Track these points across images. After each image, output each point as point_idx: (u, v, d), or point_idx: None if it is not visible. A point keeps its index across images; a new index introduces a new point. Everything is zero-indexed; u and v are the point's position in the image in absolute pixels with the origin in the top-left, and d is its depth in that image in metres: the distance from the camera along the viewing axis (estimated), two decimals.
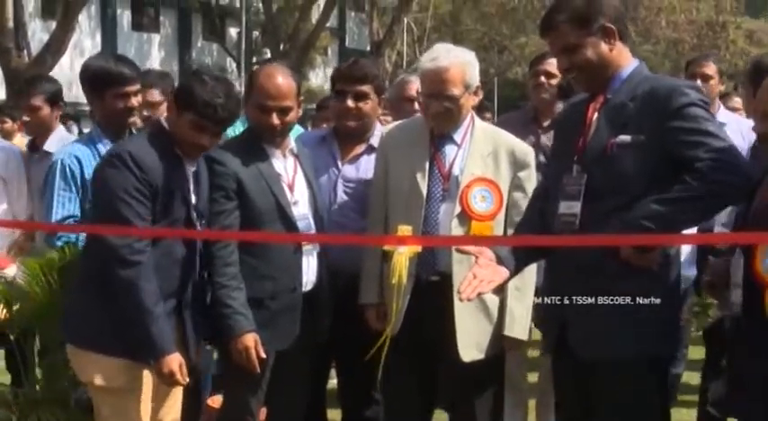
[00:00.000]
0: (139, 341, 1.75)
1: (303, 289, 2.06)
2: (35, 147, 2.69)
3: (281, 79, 2.01)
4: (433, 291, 2.02)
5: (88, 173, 2.05)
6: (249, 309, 1.95)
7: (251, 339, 1.91)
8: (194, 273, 1.93)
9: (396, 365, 2.10)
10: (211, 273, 1.96)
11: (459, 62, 2.06)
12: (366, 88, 2.25)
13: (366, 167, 2.31)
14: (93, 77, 2.18)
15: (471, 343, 2.02)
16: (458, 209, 2.02)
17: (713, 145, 1.58)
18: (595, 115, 1.73)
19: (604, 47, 1.69)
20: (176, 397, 1.98)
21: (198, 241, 1.92)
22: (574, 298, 1.69)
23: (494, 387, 2.14)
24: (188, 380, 1.83)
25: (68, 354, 1.87)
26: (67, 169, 2.11)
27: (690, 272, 2.45)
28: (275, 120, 1.99)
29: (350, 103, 2.23)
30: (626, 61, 1.74)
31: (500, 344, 2.09)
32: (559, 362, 1.85)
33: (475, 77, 2.09)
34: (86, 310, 1.82)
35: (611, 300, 1.65)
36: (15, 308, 1.98)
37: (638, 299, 1.64)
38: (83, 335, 1.82)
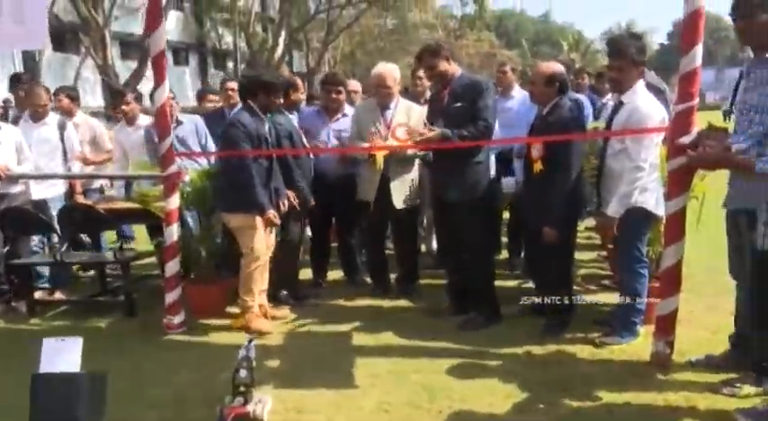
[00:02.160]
0: (253, 205, 3.73)
1: None
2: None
3: None
4: (383, 180, 4.21)
5: None
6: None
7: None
8: (273, 172, 3.92)
9: (373, 212, 4.30)
10: (288, 171, 4.06)
11: (390, 69, 4.23)
12: (340, 88, 4.49)
13: (342, 124, 4.52)
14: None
15: (398, 200, 4.24)
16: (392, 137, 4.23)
17: (484, 113, 3.56)
18: (446, 95, 3.82)
19: (447, 64, 3.73)
20: (274, 231, 4.06)
21: (273, 157, 3.96)
22: (442, 174, 3.89)
23: (413, 222, 4.51)
24: (279, 221, 3.90)
25: (222, 215, 4.01)
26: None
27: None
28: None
29: (333, 95, 4.46)
30: (457, 70, 3.76)
31: (413, 201, 4.36)
32: (437, 205, 4.13)
33: (398, 76, 4.23)
34: (225, 193, 3.93)
35: (457, 175, 3.71)
36: (187, 197, 4.17)
37: (469, 174, 3.69)
38: (228, 205, 3.93)
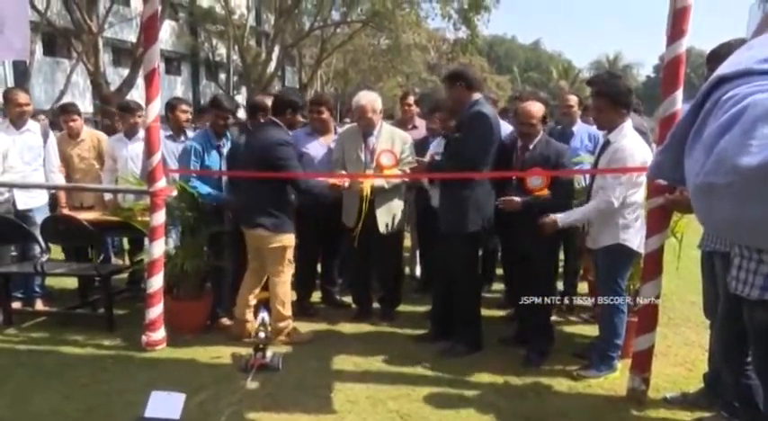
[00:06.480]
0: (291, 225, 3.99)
1: None
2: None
3: None
4: (370, 207, 4.22)
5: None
6: None
7: None
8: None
9: (359, 237, 4.30)
10: None
11: (370, 100, 4.24)
12: (322, 108, 4.49)
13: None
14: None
15: (383, 224, 4.27)
16: (375, 164, 4.26)
17: (470, 144, 3.62)
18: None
19: (460, 92, 3.72)
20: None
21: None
22: (443, 202, 3.92)
23: (397, 245, 4.54)
24: None
25: (263, 237, 3.97)
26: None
27: None
28: None
29: (315, 114, 4.49)
30: (472, 98, 3.65)
31: (398, 226, 4.45)
32: (426, 232, 4.23)
33: (380, 105, 4.27)
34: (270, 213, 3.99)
35: (454, 204, 3.82)
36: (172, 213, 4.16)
37: (459, 205, 3.78)
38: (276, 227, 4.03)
